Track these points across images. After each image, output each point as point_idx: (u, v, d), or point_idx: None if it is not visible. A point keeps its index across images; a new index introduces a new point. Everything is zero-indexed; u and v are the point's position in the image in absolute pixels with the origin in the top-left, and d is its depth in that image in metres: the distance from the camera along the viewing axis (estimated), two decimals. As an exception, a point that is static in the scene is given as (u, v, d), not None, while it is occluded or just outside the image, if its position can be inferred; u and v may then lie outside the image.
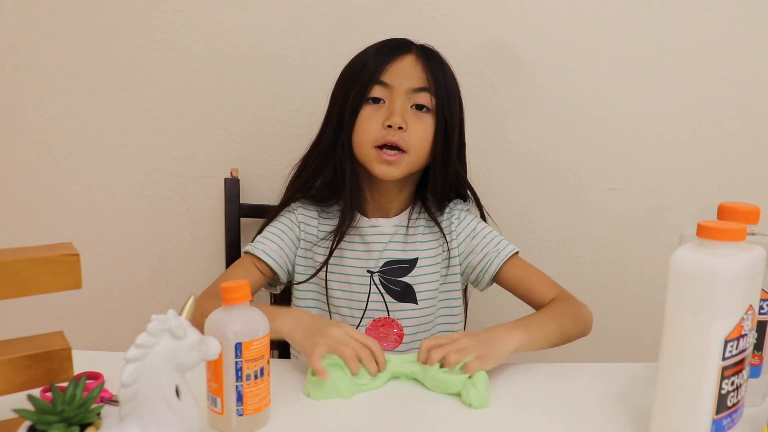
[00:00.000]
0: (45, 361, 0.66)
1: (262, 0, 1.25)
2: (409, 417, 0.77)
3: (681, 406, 0.67)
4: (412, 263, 1.06)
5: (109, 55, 1.27)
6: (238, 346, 0.67)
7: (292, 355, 1.12)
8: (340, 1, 1.26)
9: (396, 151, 0.98)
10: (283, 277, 1.07)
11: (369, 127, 0.98)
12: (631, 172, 1.36)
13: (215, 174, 1.32)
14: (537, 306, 1.02)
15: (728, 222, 0.68)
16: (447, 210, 1.09)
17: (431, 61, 1.01)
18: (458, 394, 0.80)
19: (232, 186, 1.28)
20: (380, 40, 1.03)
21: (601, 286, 1.41)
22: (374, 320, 1.06)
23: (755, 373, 0.78)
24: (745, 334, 0.66)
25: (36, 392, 0.64)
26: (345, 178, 1.03)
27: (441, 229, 1.06)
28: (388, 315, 1.06)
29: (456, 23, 1.27)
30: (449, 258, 1.07)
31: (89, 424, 0.59)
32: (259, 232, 1.08)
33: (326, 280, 1.05)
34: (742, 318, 0.65)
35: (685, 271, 0.65)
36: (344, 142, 1.01)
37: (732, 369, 0.65)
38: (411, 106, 0.99)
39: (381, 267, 1.06)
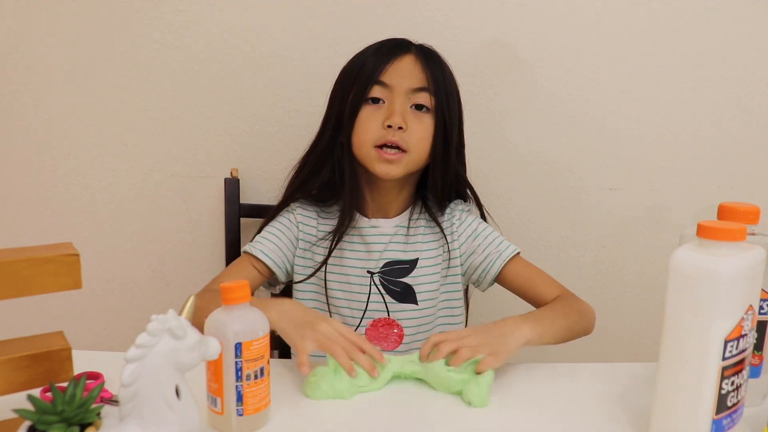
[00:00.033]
0: (45, 361, 0.66)
1: (262, 0, 1.25)
2: (408, 417, 0.77)
3: (681, 406, 0.67)
4: (413, 264, 1.06)
5: (109, 55, 1.27)
6: (238, 346, 0.67)
7: (292, 355, 1.11)
8: (340, 1, 1.26)
9: (396, 150, 0.98)
10: (282, 277, 1.07)
11: (369, 128, 0.98)
12: (631, 172, 1.36)
13: (215, 174, 1.32)
14: (540, 305, 1.02)
15: (728, 222, 0.68)
16: (448, 210, 1.09)
17: (430, 60, 1.01)
18: (460, 393, 0.80)
19: (232, 186, 1.28)
20: (380, 40, 1.03)
21: (601, 286, 1.41)
22: (374, 321, 1.06)
23: (755, 373, 0.78)
24: (745, 334, 0.66)
25: (36, 392, 0.64)
26: (344, 178, 1.03)
27: (442, 230, 1.06)
28: (388, 315, 1.06)
29: (456, 23, 1.27)
30: (449, 259, 1.07)
31: (89, 424, 0.59)
32: (258, 231, 1.08)
33: (325, 280, 1.05)
34: (742, 318, 0.65)
35: (685, 271, 0.65)
36: (343, 142, 1.01)
37: (732, 369, 0.65)
38: (410, 106, 0.99)
39: (381, 267, 1.06)
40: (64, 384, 0.61)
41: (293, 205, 1.08)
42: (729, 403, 0.66)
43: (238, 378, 0.68)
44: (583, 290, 1.05)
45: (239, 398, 0.69)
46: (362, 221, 1.06)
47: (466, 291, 1.14)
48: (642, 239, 1.39)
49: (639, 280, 1.41)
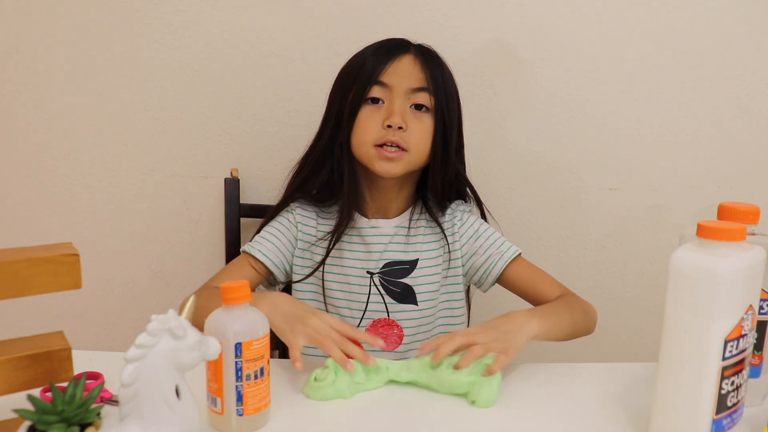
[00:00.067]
0: (45, 361, 0.66)
1: (262, 0, 1.25)
2: (409, 417, 0.77)
3: (681, 406, 0.67)
4: (413, 264, 1.06)
5: (109, 55, 1.27)
6: (238, 346, 0.67)
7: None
8: (340, 1, 1.26)
9: (396, 148, 0.98)
10: (281, 277, 1.07)
11: (368, 128, 0.98)
12: (631, 172, 1.36)
13: (215, 174, 1.32)
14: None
15: (728, 222, 0.68)
16: (449, 211, 1.09)
17: (430, 60, 1.01)
18: (464, 394, 0.80)
19: (232, 186, 1.28)
20: (380, 40, 1.03)
21: (601, 286, 1.41)
22: (374, 321, 1.06)
23: (755, 373, 0.78)
24: (745, 334, 0.66)
25: (36, 392, 0.65)
26: (343, 178, 1.03)
27: (442, 230, 1.06)
28: (388, 316, 1.06)
29: (456, 23, 1.27)
30: (450, 259, 1.07)
31: (89, 424, 0.59)
32: (258, 231, 1.08)
33: (323, 280, 1.05)
34: (742, 318, 0.65)
35: (685, 271, 0.65)
36: (343, 143, 1.01)
37: (732, 369, 0.65)
38: (410, 106, 0.99)
39: (381, 268, 1.06)
40: (64, 384, 0.61)
41: (293, 205, 1.08)
42: (729, 403, 0.66)
43: (238, 378, 0.68)
44: (583, 290, 1.05)
45: (239, 398, 0.69)
46: (362, 221, 1.06)
47: (467, 291, 1.14)
48: (642, 239, 1.39)
49: (639, 280, 1.41)
